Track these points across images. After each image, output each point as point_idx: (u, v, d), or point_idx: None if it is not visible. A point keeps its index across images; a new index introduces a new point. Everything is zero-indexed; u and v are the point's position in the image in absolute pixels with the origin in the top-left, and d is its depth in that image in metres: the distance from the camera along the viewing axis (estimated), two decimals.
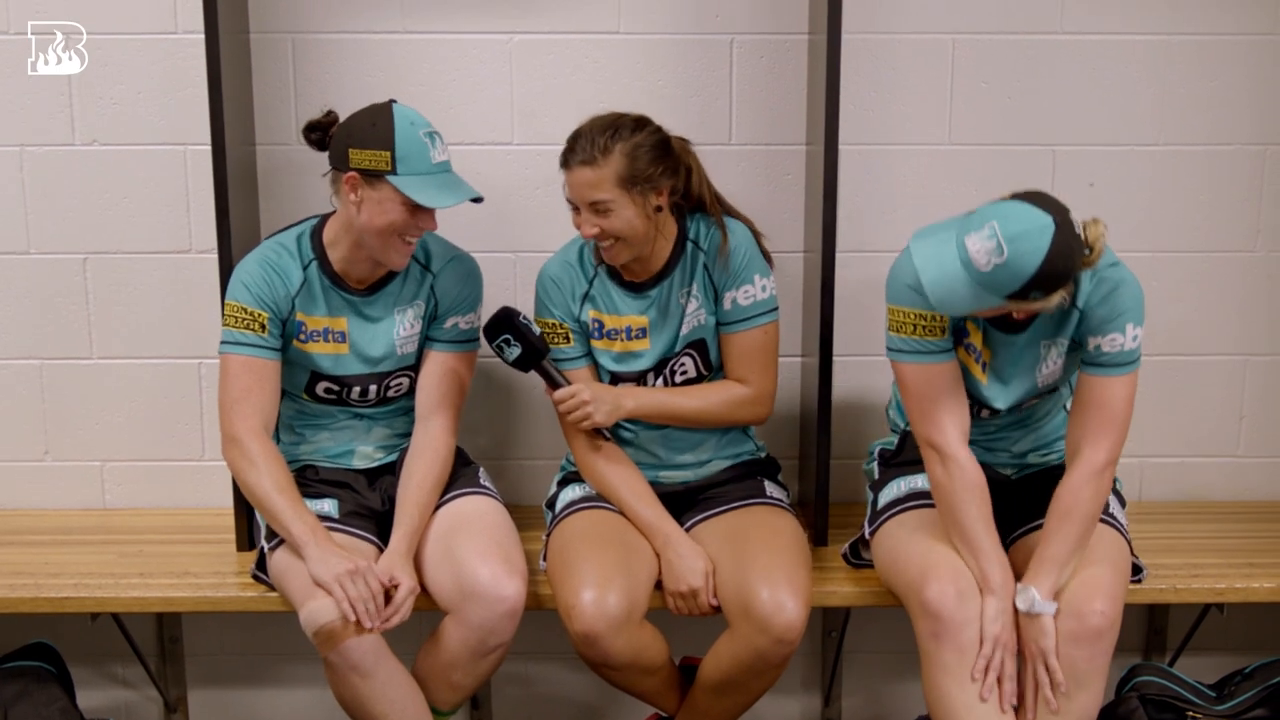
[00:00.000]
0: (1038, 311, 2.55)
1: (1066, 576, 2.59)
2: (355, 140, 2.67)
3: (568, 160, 2.75)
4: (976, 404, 2.76)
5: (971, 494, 2.64)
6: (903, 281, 2.62)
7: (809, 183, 3.10)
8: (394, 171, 2.64)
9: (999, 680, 2.56)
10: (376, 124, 2.67)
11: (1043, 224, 2.38)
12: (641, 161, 2.71)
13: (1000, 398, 2.73)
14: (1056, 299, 2.46)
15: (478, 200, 2.73)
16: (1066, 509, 2.59)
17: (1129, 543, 2.75)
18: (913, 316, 2.62)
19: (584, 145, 2.72)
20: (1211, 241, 3.28)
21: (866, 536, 2.88)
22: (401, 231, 2.69)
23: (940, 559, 2.64)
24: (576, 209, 2.77)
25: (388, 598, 2.63)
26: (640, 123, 2.76)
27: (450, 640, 2.71)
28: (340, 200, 2.76)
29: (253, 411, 2.74)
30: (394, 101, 2.73)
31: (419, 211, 2.68)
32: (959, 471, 2.64)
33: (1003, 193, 2.85)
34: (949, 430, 2.65)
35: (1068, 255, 2.40)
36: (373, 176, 2.66)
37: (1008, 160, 3.13)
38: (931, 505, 2.74)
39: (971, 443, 2.70)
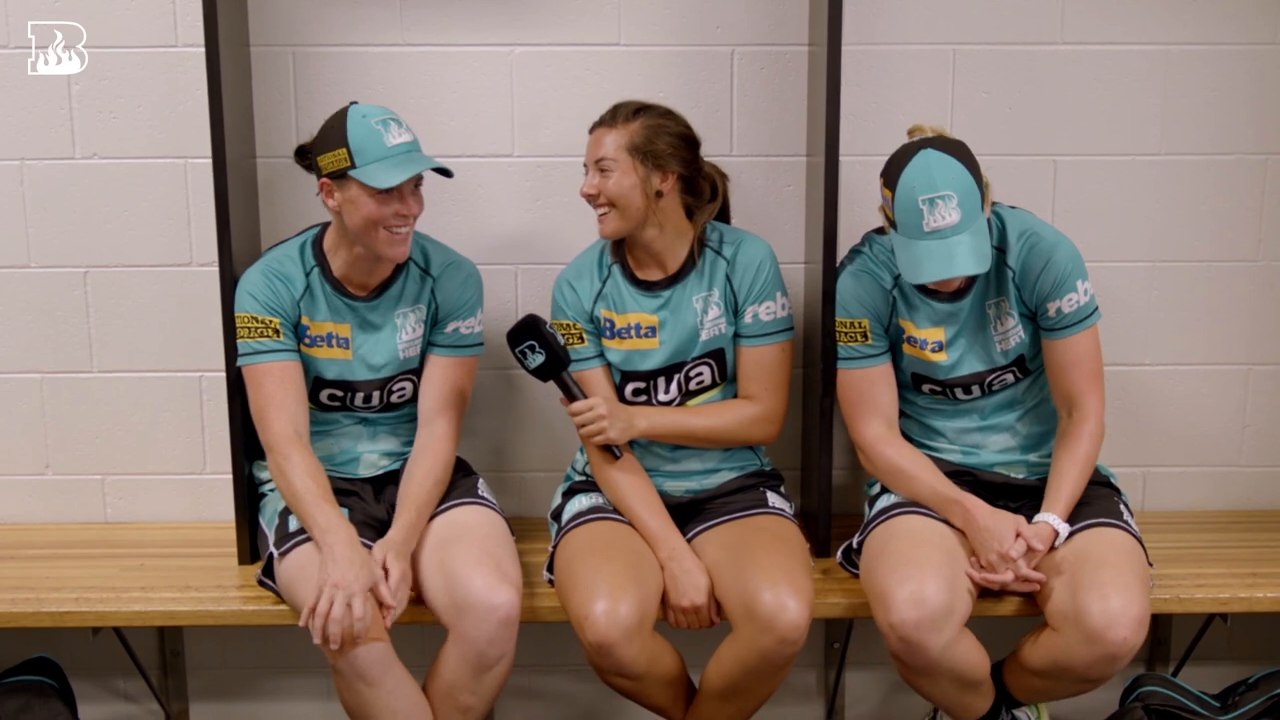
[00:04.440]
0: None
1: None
2: (318, 147, 2.77)
3: (594, 126, 2.87)
4: (949, 387, 2.86)
5: (916, 462, 2.83)
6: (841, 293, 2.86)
7: (810, 194, 3.09)
8: (353, 166, 2.70)
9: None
10: (334, 126, 2.75)
11: (927, 158, 2.60)
12: (659, 141, 2.82)
13: (964, 364, 2.84)
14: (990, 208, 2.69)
15: (444, 173, 2.77)
16: (1077, 456, 2.77)
17: (1145, 550, 2.77)
18: (846, 325, 2.85)
19: (612, 112, 2.86)
20: (1214, 251, 3.27)
21: (855, 545, 2.90)
22: (380, 222, 2.73)
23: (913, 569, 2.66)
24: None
25: (381, 606, 2.63)
26: (671, 112, 2.89)
27: (451, 659, 2.71)
28: (330, 210, 2.80)
29: (278, 416, 2.79)
30: (353, 103, 2.79)
31: (389, 198, 2.71)
32: (896, 451, 2.84)
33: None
34: (877, 425, 2.86)
35: (966, 152, 2.66)
36: (339, 177, 2.73)
37: (1009, 170, 3.12)
38: (918, 510, 2.80)
39: (969, 433, 2.90)
